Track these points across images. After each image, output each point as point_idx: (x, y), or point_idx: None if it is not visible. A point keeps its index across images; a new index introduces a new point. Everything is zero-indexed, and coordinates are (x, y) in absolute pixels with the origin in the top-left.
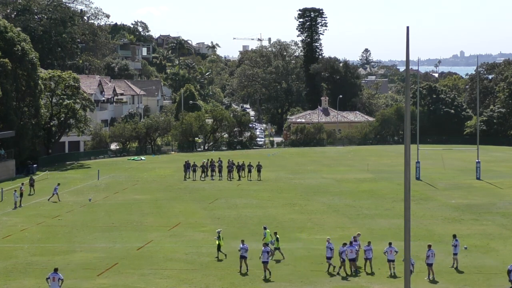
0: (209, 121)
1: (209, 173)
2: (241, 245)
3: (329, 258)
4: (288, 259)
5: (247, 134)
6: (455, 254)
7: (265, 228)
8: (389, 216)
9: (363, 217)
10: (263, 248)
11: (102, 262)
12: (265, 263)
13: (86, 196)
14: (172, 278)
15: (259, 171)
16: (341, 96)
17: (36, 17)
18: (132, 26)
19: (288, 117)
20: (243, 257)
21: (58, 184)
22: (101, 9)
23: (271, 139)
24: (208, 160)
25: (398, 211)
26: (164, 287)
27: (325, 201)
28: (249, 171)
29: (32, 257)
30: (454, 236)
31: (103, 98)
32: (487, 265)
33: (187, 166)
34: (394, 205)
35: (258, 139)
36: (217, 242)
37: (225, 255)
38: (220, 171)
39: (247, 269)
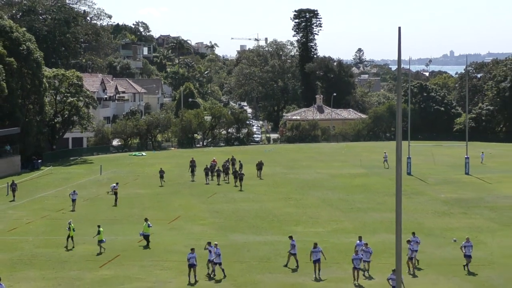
0: (208, 118)
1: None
2: (190, 254)
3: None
4: (284, 251)
5: (245, 130)
6: (415, 251)
7: (99, 227)
8: (381, 210)
9: (356, 211)
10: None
11: (105, 254)
12: (218, 263)
13: (89, 190)
14: (172, 269)
15: (241, 179)
16: (335, 94)
17: (40, 17)
18: (133, 26)
19: (284, 114)
20: (192, 265)
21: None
22: (103, 10)
23: (268, 135)
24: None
25: (390, 205)
26: (164, 278)
27: (320, 195)
28: (240, 167)
29: (37, 249)
30: (413, 233)
31: (106, 96)
32: (476, 257)
33: (193, 166)
34: (386, 199)
35: (255, 135)
36: (68, 232)
37: (73, 246)
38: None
39: (195, 279)
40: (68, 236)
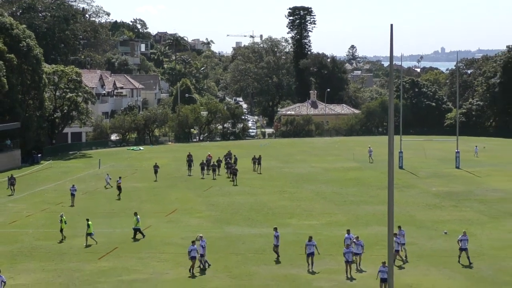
0: (204, 113)
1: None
2: (191, 246)
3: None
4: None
5: (240, 125)
6: (402, 244)
7: (87, 220)
8: (373, 203)
9: (349, 204)
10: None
11: (103, 246)
12: (200, 256)
13: (88, 184)
14: (168, 261)
15: (235, 174)
16: (328, 89)
17: (40, 15)
18: (131, 23)
19: (278, 109)
20: (193, 258)
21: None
22: (101, 7)
23: (263, 130)
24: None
25: (382, 198)
26: (161, 270)
27: (314, 188)
28: (235, 161)
29: (37, 242)
30: (399, 227)
31: (104, 92)
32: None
33: (190, 161)
34: (378, 192)
35: (250, 130)
36: (60, 225)
37: (65, 237)
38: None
39: (192, 271)
40: (61, 229)
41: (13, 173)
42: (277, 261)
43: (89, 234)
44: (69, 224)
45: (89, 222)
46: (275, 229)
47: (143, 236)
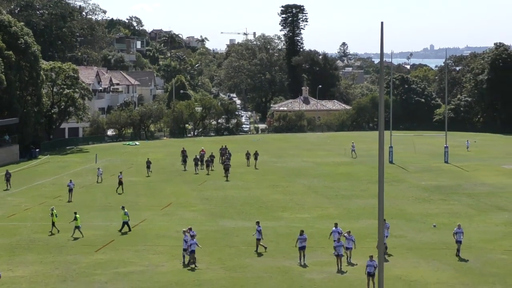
0: (199, 109)
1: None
2: (191, 241)
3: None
4: (271, 236)
5: (234, 121)
6: (386, 236)
7: (75, 213)
8: (364, 197)
9: (341, 198)
10: None
11: (100, 239)
12: (188, 251)
13: (85, 178)
14: (164, 254)
15: (227, 170)
16: (320, 86)
17: (38, 12)
18: (127, 21)
19: (271, 105)
20: (192, 252)
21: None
22: (98, 5)
23: (256, 125)
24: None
25: (372, 191)
26: (157, 262)
27: (306, 182)
28: (228, 157)
29: (35, 235)
30: (384, 220)
31: (100, 88)
32: (454, 241)
33: (185, 156)
34: (369, 186)
35: (244, 125)
36: (51, 219)
37: (53, 230)
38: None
39: (192, 263)
40: (52, 222)
41: (12, 167)
42: (259, 254)
43: (77, 227)
44: (66, 218)
45: (77, 215)
46: (257, 223)
47: (120, 231)
